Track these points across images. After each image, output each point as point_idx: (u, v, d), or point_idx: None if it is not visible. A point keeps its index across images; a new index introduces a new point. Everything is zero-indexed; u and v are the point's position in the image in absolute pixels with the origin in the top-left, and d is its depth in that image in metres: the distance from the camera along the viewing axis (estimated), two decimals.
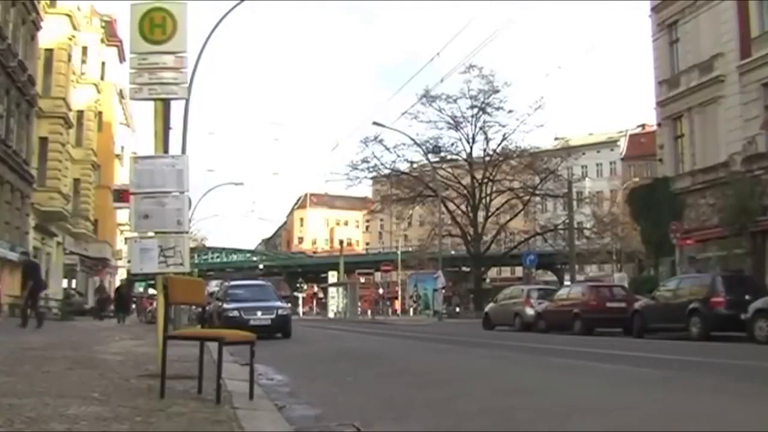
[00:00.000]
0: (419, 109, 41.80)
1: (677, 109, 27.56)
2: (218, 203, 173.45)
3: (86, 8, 41.80)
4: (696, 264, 25.61)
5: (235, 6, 18.55)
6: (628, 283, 30.26)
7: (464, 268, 50.82)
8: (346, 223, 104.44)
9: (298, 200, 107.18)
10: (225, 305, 18.73)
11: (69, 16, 35.32)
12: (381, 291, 63.30)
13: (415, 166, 45.30)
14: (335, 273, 59.13)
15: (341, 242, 73.70)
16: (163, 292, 6.14)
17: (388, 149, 43.21)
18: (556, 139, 57.32)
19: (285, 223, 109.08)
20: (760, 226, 22.69)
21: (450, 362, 11.09)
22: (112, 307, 33.96)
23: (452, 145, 44.13)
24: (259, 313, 17.94)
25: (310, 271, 71.77)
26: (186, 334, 7.48)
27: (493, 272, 57.96)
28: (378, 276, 65.37)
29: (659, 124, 29.52)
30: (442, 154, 44.42)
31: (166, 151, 7.19)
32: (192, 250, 34.60)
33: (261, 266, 71.80)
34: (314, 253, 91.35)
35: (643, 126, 63.57)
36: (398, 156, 43.84)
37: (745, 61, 23.95)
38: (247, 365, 6.20)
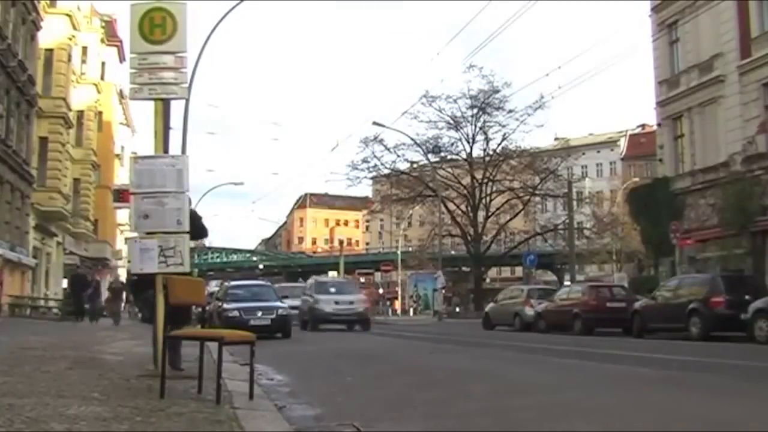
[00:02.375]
0: (419, 109, 41.84)
1: (677, 109, 27.54)
2: (218, 203, 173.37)
3: (86, 8, 41.75)
4: (696, 264, 25.60)
5: (235, 6, 18.57)
6: (628, 283, 30.25)
7: (464, 268, 50.81)
8: (346, 223, 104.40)
9: (298, 200, 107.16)
10: (225, 305, 18.74)
11: (69, 16, 35.30)
12: (381, 291, 63.34)
13: (415, 166, 45.29)
14: (335, 273, 59.09)
15: (341, 242, 73.65)
16: (163, 292, 6.14)
17: (388, 149, 43.22)
18: (556, 139, 57.36)
19: (285, 223, 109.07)
20: (760, 226, 22.68)
21: (450, 362, 11.09)
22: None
23: (452, 145, 44.15)
24: (259, 314, 17.94)
25: (310, 271, 71.54)
26: (186, 334, 7.47)
27: (493, 272, 57.97)
28: (378, 276, 65.36)
29: (659, 124, 29.49)
30: (442, 154, 44.42)
31: (166, 151, 7.19)
32: (192, 250, 34.28)
33: (261, 266, 71.79)
34: (314, 253, 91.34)
35: (643, 126, 63.58)
36: (398, 156, 43.85)
37: (745, 61, 23.94)
38: (247, 365, 6.20)
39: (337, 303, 23.39)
